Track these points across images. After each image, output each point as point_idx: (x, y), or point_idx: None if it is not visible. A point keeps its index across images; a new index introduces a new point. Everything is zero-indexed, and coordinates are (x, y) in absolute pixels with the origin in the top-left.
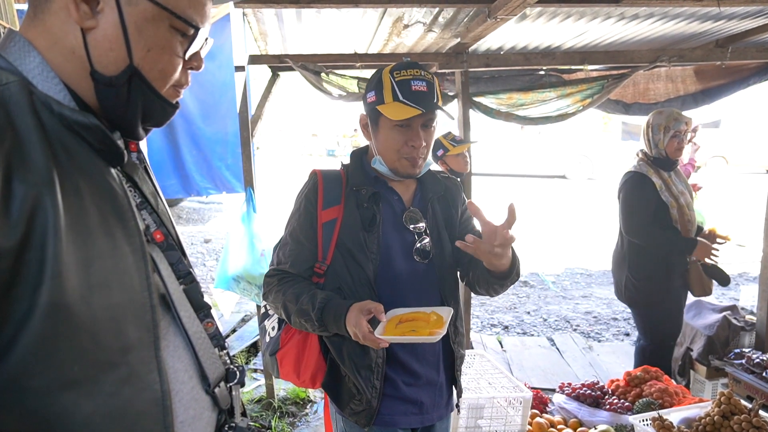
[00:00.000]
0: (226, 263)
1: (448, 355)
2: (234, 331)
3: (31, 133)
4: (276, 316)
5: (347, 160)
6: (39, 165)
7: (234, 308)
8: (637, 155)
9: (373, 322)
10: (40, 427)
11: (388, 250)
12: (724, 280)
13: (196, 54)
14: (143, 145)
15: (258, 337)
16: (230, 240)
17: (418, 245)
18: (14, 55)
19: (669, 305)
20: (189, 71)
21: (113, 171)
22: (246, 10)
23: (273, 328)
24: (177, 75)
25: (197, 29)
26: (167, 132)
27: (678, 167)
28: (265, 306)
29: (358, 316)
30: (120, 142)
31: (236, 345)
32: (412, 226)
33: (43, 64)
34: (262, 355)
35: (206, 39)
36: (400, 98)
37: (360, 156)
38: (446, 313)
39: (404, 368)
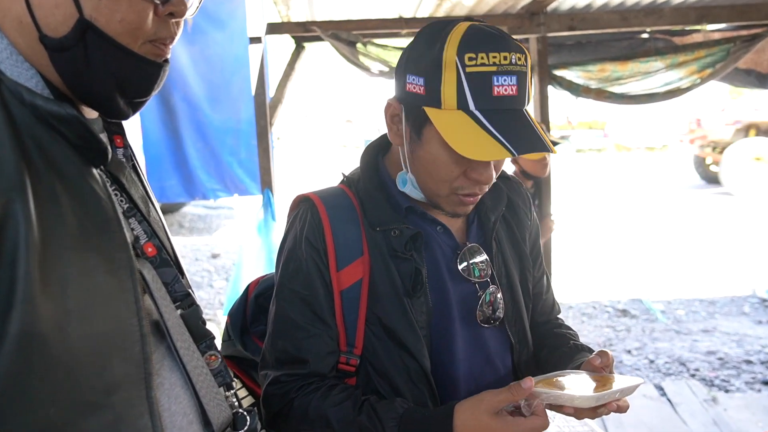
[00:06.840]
0: (239, 284)
1: None
2: None
3: None
4: None
5: (347, 167)
6: (8, 167)
7: None
8: None
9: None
10: None
11: (442, 318)
12: None
13: None
14: (137, 137)
15: None
16: (243, 255)
17: (484, 300)
18: None
19: None
20: (172, 20)
21: (95, 172)
22: None
23: None
24: (148, 25)
25: None
26: (166, 120)
27: None
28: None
29: (506, 425)
30: (103, 137)
31: None
32: (467, 267)
33: (11, 46)
34: None
35: None
36: (471, 108)
37: (377, 164)
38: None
39: None
